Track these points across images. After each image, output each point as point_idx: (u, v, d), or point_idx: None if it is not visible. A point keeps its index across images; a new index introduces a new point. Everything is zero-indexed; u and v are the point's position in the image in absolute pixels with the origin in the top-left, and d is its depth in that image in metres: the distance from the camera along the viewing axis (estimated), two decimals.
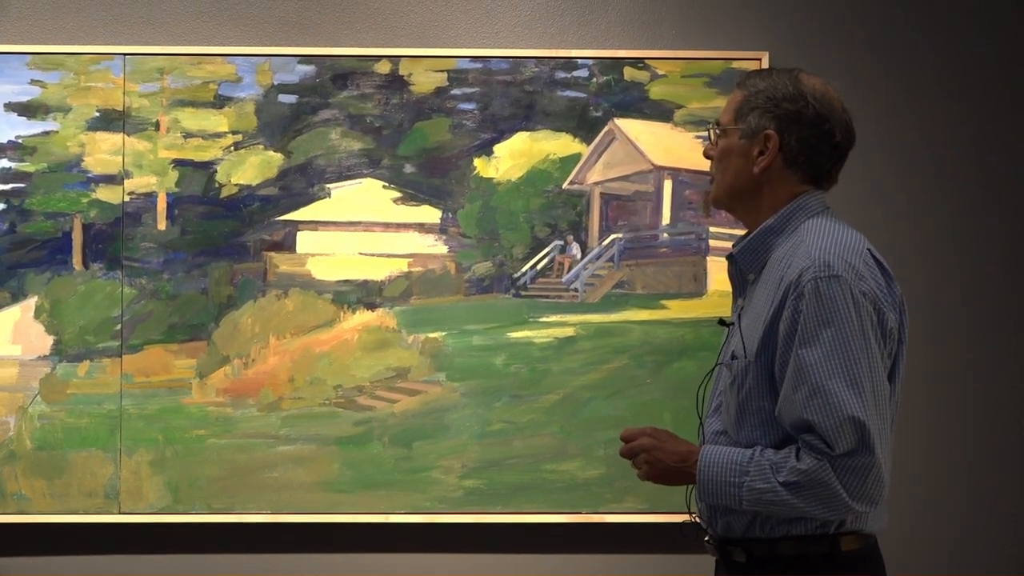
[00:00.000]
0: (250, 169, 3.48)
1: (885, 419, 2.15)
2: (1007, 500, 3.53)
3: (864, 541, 2.24)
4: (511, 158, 3.49)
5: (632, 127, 3.50)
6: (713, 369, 2.40)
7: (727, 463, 2.20)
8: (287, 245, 3.48)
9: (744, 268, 2.34)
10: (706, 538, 2.37)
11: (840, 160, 2.31)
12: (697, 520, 2.38)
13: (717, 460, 2.21)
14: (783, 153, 2.27)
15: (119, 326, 3.44)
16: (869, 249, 2.23)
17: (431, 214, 3.50)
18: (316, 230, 3.49)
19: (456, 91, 3.49)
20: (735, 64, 3.48)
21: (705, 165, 3.45)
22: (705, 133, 3.46)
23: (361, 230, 3.49)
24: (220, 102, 3.47)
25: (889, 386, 2.19)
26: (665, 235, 3.50)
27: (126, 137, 3.46)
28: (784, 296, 2.17)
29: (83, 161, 3.45)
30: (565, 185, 3.50)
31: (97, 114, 3.45)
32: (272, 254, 3.48)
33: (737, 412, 2.26)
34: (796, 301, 2.14)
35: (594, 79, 3.49)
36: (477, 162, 3.49)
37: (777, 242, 2.27)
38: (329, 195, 3.49)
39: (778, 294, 2.19)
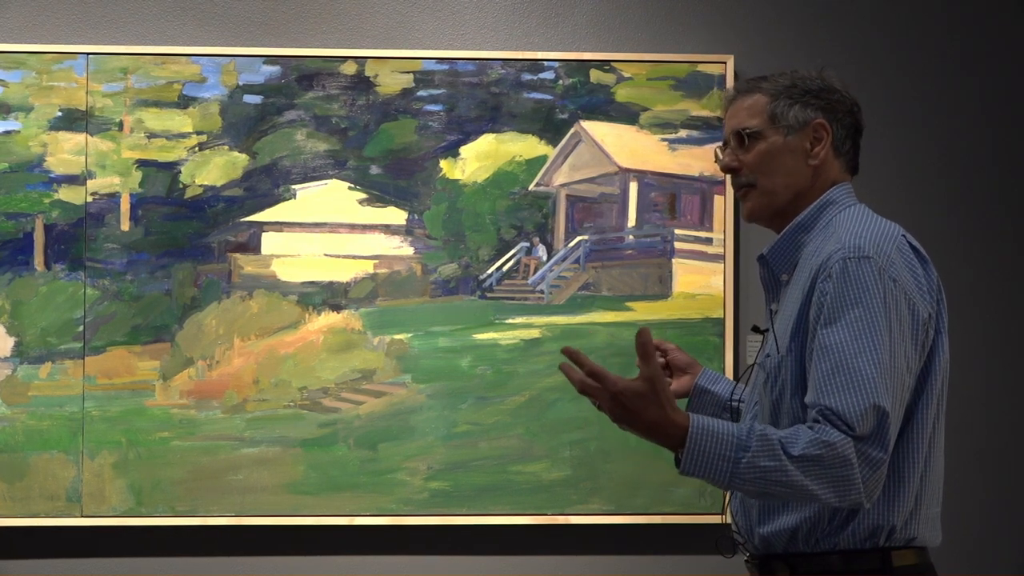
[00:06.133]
0: (215, 170, 3.46)
1: (901, 411, 2.04)
2: None
3: (919, 556, 2.12)
4: (477, 160, 3.50)
5: (598, 129, 3.51)
6: (747, 372, 2.29)
7: (723, 434, 1.98)
8: (252, 246, 3.47)
9: (776, 269, 2.24)
10: (745, 557, 2.23)
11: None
12: (735, 534, 2.24)
13: (711, 430, 1.99)
14: (833, 142, 2.22)
15: (81, 327, 3.41)
16: (904, 235, 2.13)
17: (397, 215, 3.49)
18: (281, 231, 3.48)
19: (422, 92, 3.48)
20: (700, 67, 3.50)
21: (671, 167, 3.53)
22: (671, 136, 3.51)
23: (326, 231, 3.48)
24: (184, 102, 3.45)
25: (909, 379, 2.07)
26: (631, 237, 3.52)
27: (89, 137, 3.43)
28: (813, 281, 2.08)
29: (45, 161, 3.42)
30: (531, 187, 3.51)
31: (59, 114, 3.42)
32: (237, 255, 3.46)
33: (772, 412, 2.14)
34: (823, 283, 2.06)
35: (560, 81, 3.50)
36: (443, 164, 3.49)
37: (808, 238, 2.19)
38: (294, 196, 3.48)
39: (808, 282, 2.10)
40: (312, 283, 3.47)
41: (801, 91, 2.21)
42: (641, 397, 1.99)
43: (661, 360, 2.51)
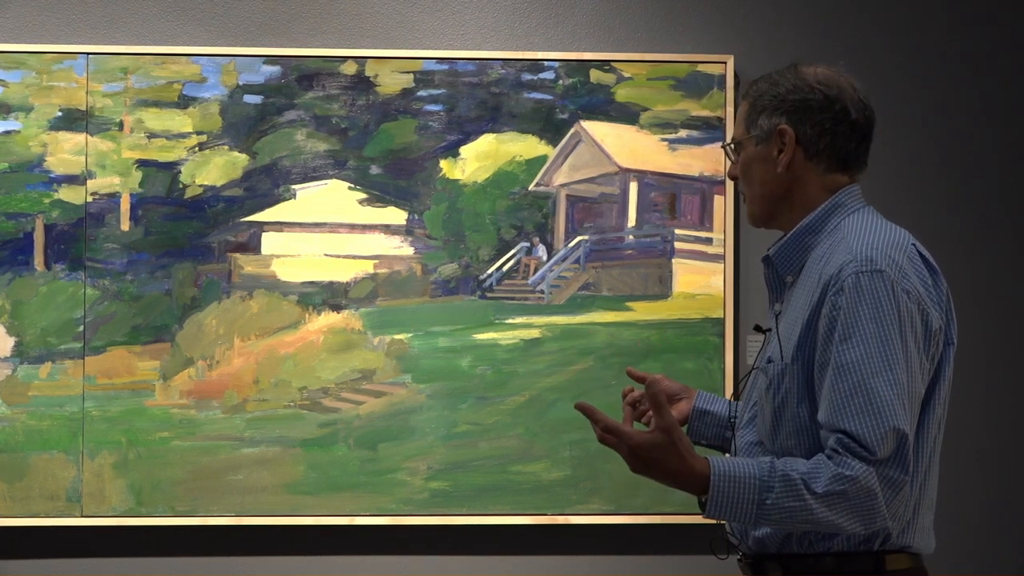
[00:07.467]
0: (215, 170, 3.46)
1: (915, 425, 2.03)
2: None
3: (913, 561, 2.11)
4: (477, 160, 3.50)
5: (598, 129, 3.51)
6: (748, 375, 2.28)
7: (745, 477, 2.00)
8: (252, 246, 3.47)
9: (781, 270, 2.22)
10: (738, 557, 2.23)
11: (864, 141, 2.20)
12: (728, 536, 2.24)
13: (733, 475, 2.00)
14: (802, 145, 2.17)
15: (81, 327, 3.41)
16: (914, 244, 2.12)
17: (397, 215, 3.49)
18: (281, 231, 3.48)
19: (422, 92, 3.48)
20: (700, 67, 3.50)
21: (671, 167, 3.54)
22: (671, 136, 3.52)
23: (326, 231, 3.48)
24: (184, 102, 3.45)
25: (923, 391, 2.06)
26: (631, 237, 3.52)
27: (89, 137, 3.43)
28: (823, 293, 2.05)
29: (45, 161, 3.42)
30: (531, 187, 3.51)
31: (60, 114, 3.43)
32: (237, 255, 3.46)
33: (773, 419, 2.12)
34: (835, 297, 2.03)
35: (560, 81, 3.50)
36: (443, 164, 3.49)
37: (816, 241, 2.16)
38: (294, 196, 3.48)
39: (817, 291, 2.07)
40: (312, 283, 3.47)
41: (771, 96, 2.20)
42: (658, 448, 2.02)
43: None
